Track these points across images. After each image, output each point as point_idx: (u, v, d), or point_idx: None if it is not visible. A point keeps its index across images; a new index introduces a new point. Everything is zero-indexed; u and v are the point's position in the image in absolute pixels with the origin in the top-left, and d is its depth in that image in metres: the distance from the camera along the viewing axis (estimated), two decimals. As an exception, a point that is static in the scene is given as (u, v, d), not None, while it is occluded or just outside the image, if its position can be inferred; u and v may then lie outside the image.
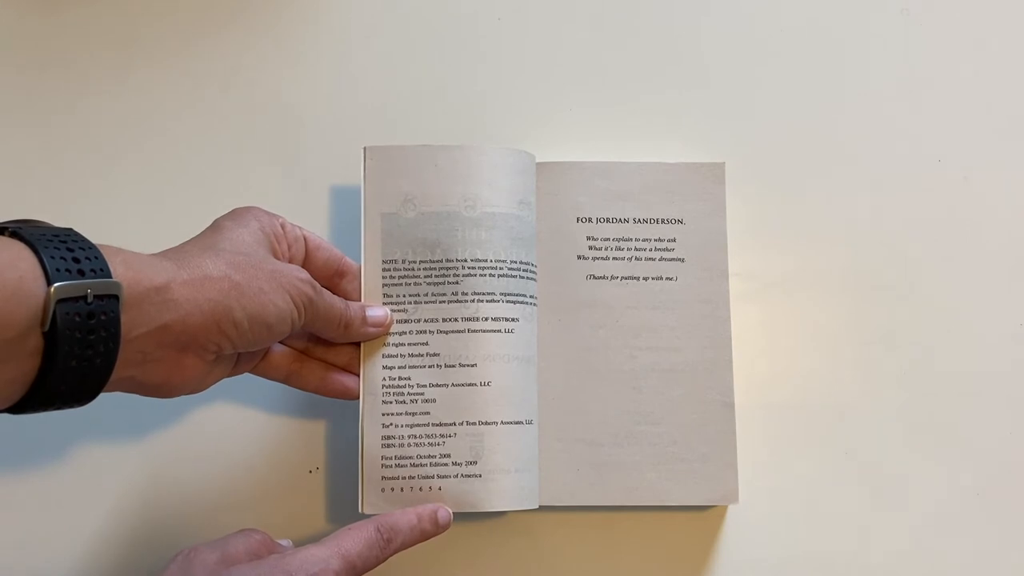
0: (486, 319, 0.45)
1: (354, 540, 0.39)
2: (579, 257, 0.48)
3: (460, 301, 0.45)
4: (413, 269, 0.46)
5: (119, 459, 0.48)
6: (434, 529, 0.42)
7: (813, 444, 0.50)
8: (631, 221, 0.49)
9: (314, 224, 0.49)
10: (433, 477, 0.44)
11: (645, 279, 0.48)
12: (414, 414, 0.44)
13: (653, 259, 0.48)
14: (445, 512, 0.43)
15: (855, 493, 0.49)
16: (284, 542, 0.41)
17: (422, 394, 0.45)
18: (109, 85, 0.52)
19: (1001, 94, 0.54)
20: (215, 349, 0.38)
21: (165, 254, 0.37)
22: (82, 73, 0.53)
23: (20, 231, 0.32)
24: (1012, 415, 0.50)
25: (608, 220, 0.49)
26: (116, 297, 0.32)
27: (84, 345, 0.31)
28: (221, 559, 0.37)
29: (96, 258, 0.32)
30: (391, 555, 0.40)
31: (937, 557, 0.49)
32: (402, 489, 0.44)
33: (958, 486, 0.49)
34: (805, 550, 0.48)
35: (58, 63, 0.53)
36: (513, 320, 0.46)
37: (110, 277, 0.32)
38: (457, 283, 0.45)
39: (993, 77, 0.54)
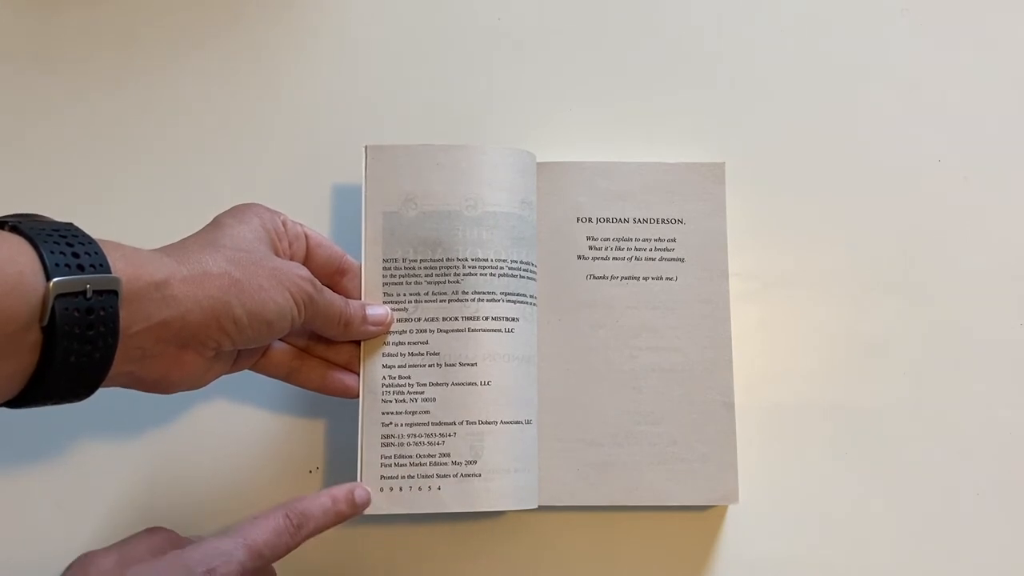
0: (486, 318, 0.45)
1: (261, 529, 0.38)
2: (579, 257, 0.48)
3: (461, 300, 0.45)
4: (414, 268, 0.46)
5: (117, 456, 0.48)
6: (351, 510, 0.41)
7: (813, 444, 0.49)
8: (631, 221, 0.49)
9: (315, 223, 0.49)
10: (433, 476, 0.44)
11: (645, 279, 0.48)
12: (414, 413, 0.44)
13: (653, 259, 0.48)
14: (363, 491, 0.42)
15: (855, 493, 0.49)
16: (197, 537, 0.40)
17: (422, 393, 0.44)
18: (109, 85, 0.52)
19: (1001, 94, 0.54)
20: (214, 346, 0.37)
21: (165, 250, 0.37)
22: (82, 73, 0.52)
23: (20, 225, 0.32)
24: (1012, 415, 0.50)
25: (608, 220, 0.49)
26: (115, 292, 0.32)
27: (83, 340, 0.31)
28: (119, 561, 0.36)
29: (96, 253, 0.32)
30: (303, 540, 0.39)
31: (937, 557, 0.49)
32: (401, 488, 0.44)
33: (958, 486, 0.49)
34: (805, 550, 0.48)
35: (58, 63, 0.53)
36: (513, 320, 0.46)
37: (109, 272, 0.32)
38: (458, 282, 0.45)
39: (993, 77, 0.54)
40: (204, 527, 0.47)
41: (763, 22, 0.55)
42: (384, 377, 0.45)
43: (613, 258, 0.48)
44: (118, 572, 0.36)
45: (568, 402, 0.47)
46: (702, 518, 0.49)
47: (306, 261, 0.44)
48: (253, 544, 0.37)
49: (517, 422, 0.45)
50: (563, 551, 0.48)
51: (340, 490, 0.41)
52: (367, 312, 0.44)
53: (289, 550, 0.39)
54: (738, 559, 0.48)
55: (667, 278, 0.48)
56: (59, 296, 0.30)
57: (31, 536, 0.47)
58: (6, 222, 0.33)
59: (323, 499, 0.40)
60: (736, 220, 0.49)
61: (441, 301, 0.45)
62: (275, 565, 0.41)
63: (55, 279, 0.30)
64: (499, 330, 0.45)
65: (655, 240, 0.48)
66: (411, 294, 0.45)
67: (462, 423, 0.44)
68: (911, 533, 0.49)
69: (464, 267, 0.45)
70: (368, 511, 0.43)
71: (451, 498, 0.44)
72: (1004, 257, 0.52)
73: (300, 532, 0.39)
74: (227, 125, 0.52)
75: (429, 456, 0.44)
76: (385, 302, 0.45)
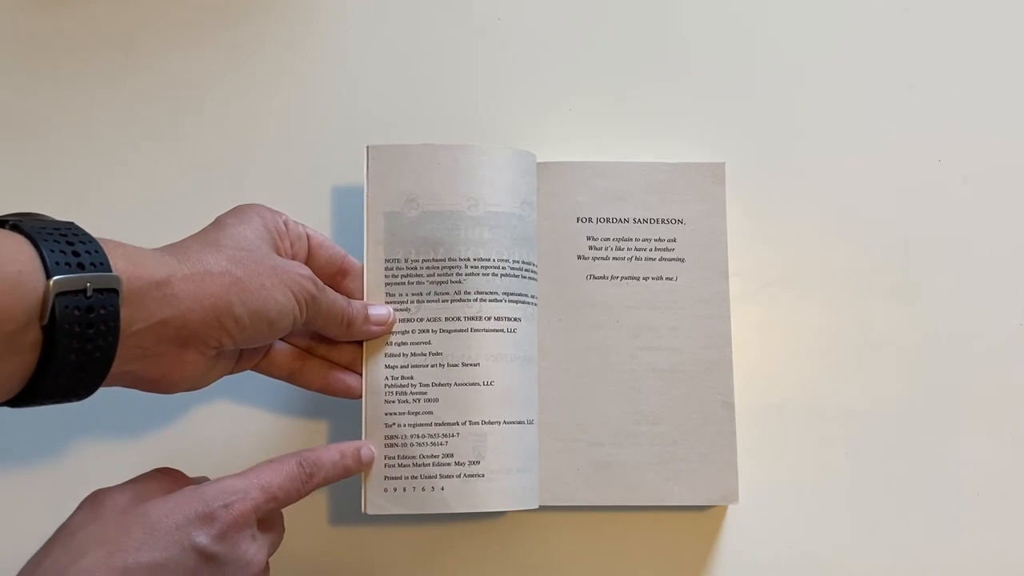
0: (489, 318, 0.45)
1: (275, 472, 0.38)
2: (579, 257, 0.48)
3: (463, 300, 0.45)
4: (416, 268, 0.45)
5: (118, 456, 0.48)
6: (357, 467, 0.42)
7: (813, 444, 0.50)
8: (631, 221, 0.49)
9: (317, 223, 0.48)
10: (436, 477, 0.44)
11: (645, 279, 0.48)
12: (417, 413, 0.44)
13: (653, 259, 0.48)
14: (368, 450, 0.43)
15: (855, 493, 0.49)
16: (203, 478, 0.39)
17: (425, 393, 0.44)
18: (110, 85, 0.52)
19: (1001, 94, 0.54)
20: (216, 345, 0.37)
21: (166, 249, 0.37)
22: (82, 73, 0.52)
23: (20, 224, 0.32)
24: (1012, 415, 0.50)
25: (608, 220, 0.49)
26: (116, 291, 0.32)
27: (83, 339, 0.31)
28: (134, 498, 0.36)
29: (96, 252, 0.32)
30: (313, 490, 0.39)
31: (937, 557, 0.49)
32: (404, 489, 0.44)
33: (958, 486, 0.49)
34: (805, 550, 0.48)
35: (58, 63, 0.52)
36: (515, 320, 0.46)
37: (110, 271, 0.32)
38: (460, 282, 0.45)
39: (993, 77, 0.54)
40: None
41: (763, 22, 0.55)
42: (387, 378, 0.45)
43: (613, 258, 0.48)
44: (135, 507, 0.35)
45: (568, 402, 0.47)
46: (702, 518, 0.49)
47: (308, 261, 0.44)
48: (267, 486, 0.37)
49: (520, 422, 0.45)
50: (563, 551, 0.48)
51: (348, 446, 0.42)
52: (369, 312, 0.44)
53: (300, 497, 0.39)
54: (738, 559, 0.48)
55: (667, 278, 0.48)
56: (59, 294, 0.30)
57: (31, 536, 0.47)
58: (6, 221, 0.33)
59: (332, 452, 0.41)
60: (736, 220, 0.49)
61: (443, 301, 0.45)
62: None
63: (55, 277, 0.30)
64: (501, 330, 0.45)
65: (655, 240, 0.48)
66: (413, 294, 0.45)
67: (465, 423, 0.44)
68: (911, 533, 0.49)
69: (466, 267, 0.45)
70: (371, 512, 0.43)
71: (454, 498, 0.44)
72: (1004, 257, 0.52)
73: (311, 481, 0.39)
74: (228, 125, 0.52)
75: (432, 456, 0.44)
76: (387, 302, 0.45)
